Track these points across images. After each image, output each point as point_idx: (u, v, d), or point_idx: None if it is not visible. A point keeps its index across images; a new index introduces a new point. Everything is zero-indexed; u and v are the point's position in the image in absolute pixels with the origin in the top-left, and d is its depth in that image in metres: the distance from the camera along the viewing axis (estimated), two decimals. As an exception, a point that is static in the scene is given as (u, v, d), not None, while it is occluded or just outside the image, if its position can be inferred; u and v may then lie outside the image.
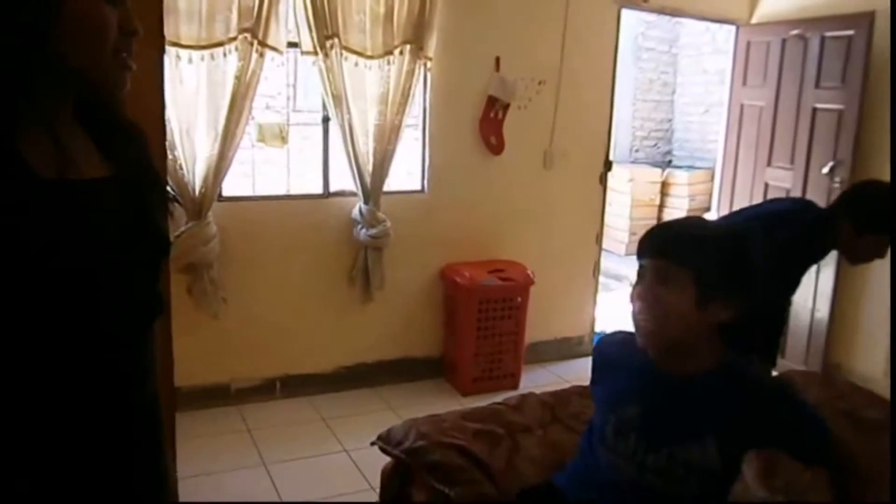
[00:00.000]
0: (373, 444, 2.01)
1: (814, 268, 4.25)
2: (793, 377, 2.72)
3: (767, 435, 1.43)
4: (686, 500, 1.44)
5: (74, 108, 1.02)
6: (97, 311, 0.97)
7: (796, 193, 4.37)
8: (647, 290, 1.41)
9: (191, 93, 3.31)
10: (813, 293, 4.30)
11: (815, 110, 4.26)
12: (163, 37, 2.47)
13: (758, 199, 4.65)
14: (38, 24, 0.90)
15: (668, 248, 1.42)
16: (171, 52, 3.18)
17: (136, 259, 1.04)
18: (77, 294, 0.93)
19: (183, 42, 3.23)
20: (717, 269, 1.38)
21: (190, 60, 3.27)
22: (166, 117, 3.16)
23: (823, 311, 4.27)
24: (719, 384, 1.43)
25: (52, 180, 0.91)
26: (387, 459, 1.99)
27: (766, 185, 4.60)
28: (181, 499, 1.32)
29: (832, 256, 4.13)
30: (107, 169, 1.03)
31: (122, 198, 1.03)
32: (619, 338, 1.64)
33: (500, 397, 3.00)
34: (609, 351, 1.65)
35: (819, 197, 4.22)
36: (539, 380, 4.15)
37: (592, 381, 1.69)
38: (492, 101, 4.03)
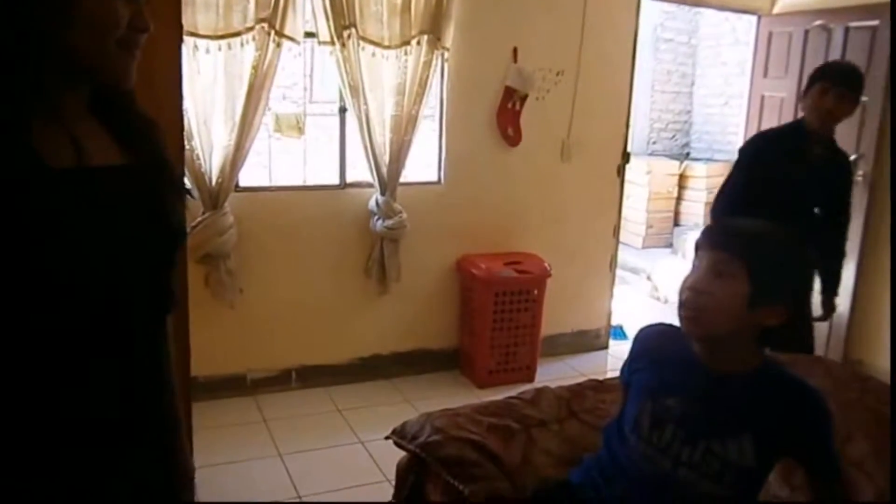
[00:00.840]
0: (387, 437, 2.01)
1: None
2: (798, 362, 2.67)
3: (801, 440, 1.43)
4: (718, 496, 1.43)
5: (89, 99, 1.02)
6: (112, 300, 0.97)
7: (817, 186, 4.31)
8: (700, 281, 1.40)
9: (208, 83, 3.31)
10: (833, 288, 4.24)
11: (837, 102, 4.18)
12: (181, 27, 2.46)
13: (778, 192, 4.60)
14: (54, 19, 0.91)
15: (730, 242, 1.41)
16: (188, 41, 3.18)
17: (149, 248, 1.04)
18: (91, 283, 0.94)
19: (200, 32, 3.23)
20: (774, 273, 1.38)
21: (207, 50, 3.27)
22: (184, 107, 3.17)
23: (843, 305, 4.21)
24: (760, 384, 1.44)
25: (65, 169, 0.92)
26: (402, 452, 1.99)
27: (787, 178, 4.53)
28: (198, 489, 1.31)
29: (854, 248, 4.10)
30: (122, 158, 1.03)
31: (136, 186, 1.03)
32: (662, 329, 1.63)
33: (515, 390, 2.98)
34: (651, 340, 1.64)
35: (841, 190, 4.18)
36: (555, 373, 4.13)
37: (629, 369, 1.66)
38: (509, 92, 4.00)
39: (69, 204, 0.91)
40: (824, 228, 3.00)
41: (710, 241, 1.43)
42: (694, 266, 1.44)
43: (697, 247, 1.46)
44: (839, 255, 3.14)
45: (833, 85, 2.84)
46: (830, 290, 3.14)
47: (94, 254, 0.94)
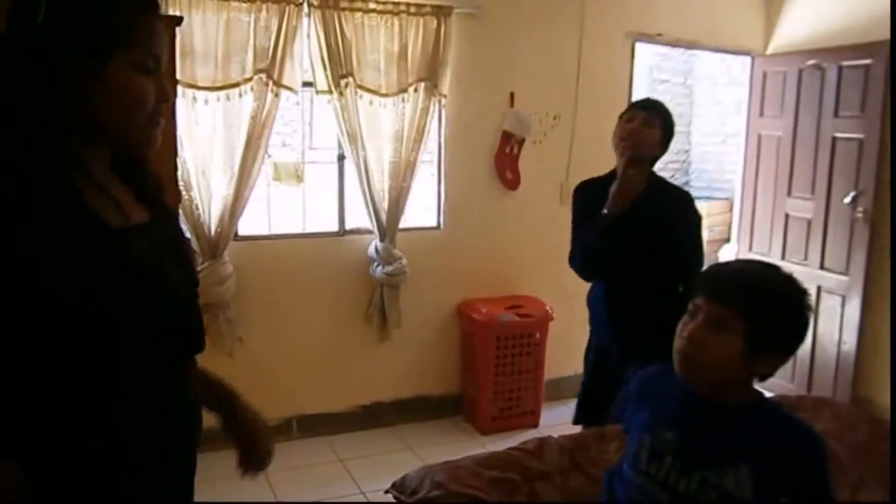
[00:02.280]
0: (387, 492, 1.97)
1: (839, 300, 4.21)
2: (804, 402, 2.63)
3: (793, 479, 1.40)
4: None
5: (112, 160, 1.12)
6: (174, 339, 1.13)
7: (818, 224, 4.31)
8: (697, 333, 1.40)
9: (207, 133, 3.33)
10: (839, 324, 4.21)
11: (834, 140, 4.21)
12: (175, 80, 2.49)
13: (779, 230, 4.60)
14: (84, 90, 1.00)
15: (730, 296, 1.40)
16: (187, 94, 3.22)
17: (188, 292, 1.17)
18: (148, 333, 1.06)
19: (199, 84, 3.26)
20: (773, 328, 1.37)
21: (206, 101, 3.30)
22: (183, 158, 3.20)
23: (850, 343, 4.17)
24: (755, 418, 1.43)
25: (120, 228, 1.04)
26: (403, 506, 1.94)
27: (787, 216, 4.53)
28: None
29: (857, 284, 4.07)
30: (147, 214, 1.14)
31: (163, 239, 1.14)
32: (659, 369, 1.63)
33: (519, 436, 2.94)
34: (649, 381, 1.65)
35: (842, 226, 4.17)
36: (560, 417, 4.05)
37: (628, 409, 1.67)
38: (507, 137, 4.02)
39: (131, 260, 1.04)
40: (671, 276, 2.53)
41: (709, 292, 1.42)
42: (690, 311, 1.42)
43: (696, 292, 1.44)
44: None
45: (631, 109, 2.62)
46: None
47: (148, 304, 1.05)
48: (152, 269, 1.07)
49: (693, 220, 2.60)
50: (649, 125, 2.51)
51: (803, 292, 1.42)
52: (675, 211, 2.55)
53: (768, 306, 1.38)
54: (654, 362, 2.34)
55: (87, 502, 1.05)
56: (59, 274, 0.96)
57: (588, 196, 2.66)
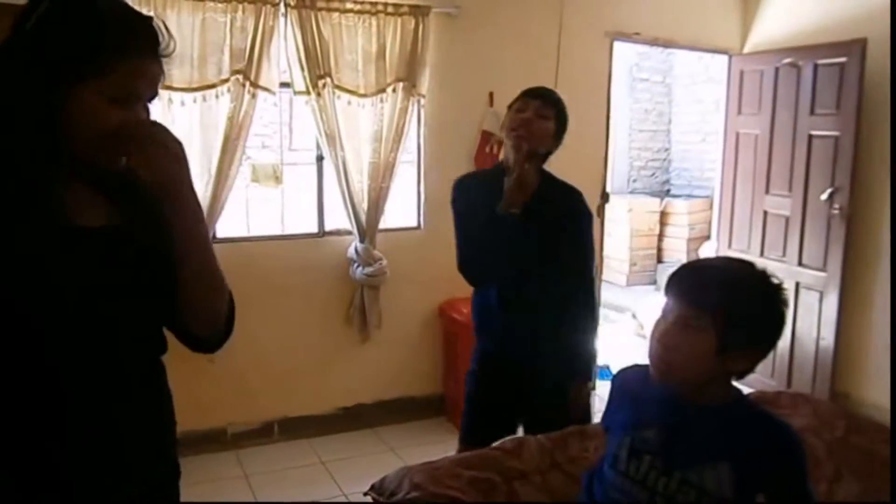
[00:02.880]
0: (365, 494, 1.95)
1: (817, 295, 4.24)
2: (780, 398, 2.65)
3: (771, 477, 1.40)
4: None
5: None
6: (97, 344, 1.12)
7: (796, 220, 4.35)
8: (668, 334, 1.39)
9: (183, 135, 3.28)
10: (817, 321, 4.24)
11: (810, 137, 4.24)
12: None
13: (757, 227, 4.63)
14: (44, 117, 1.05)
15: (693, 294, 1.39)
16: (163, 95, 3.18)
17: (126, 303, 1.15)
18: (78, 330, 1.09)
19: (175, 85, 3.23)
20: (743, 324, 1.35)
21: (182, 103, 3.27)
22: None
23: (829, 339, 4.21)
24: (734, 417, 1.43)
25: (65, 227, 1.09)
26: (383, 508, 1.93)
27: (766, 213, 4.57)
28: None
29: (835, 280, 4.11)
30: (107, 219, 1.15)
31: (115, 245, 1.14)
32: (637, 369, 1.61)
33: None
34: (629, 381, 1.63)
35: (819, 223, 4.21)
36: (542, 416, 4.07)
37: (607, 410, 1.66)
38: (486, 136, 4.02)
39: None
40: (566, 277, 2.33)
41: (677, 292, 1.41)
42: (663, 312, 1.42)
43: (667, 292, 1.44)
44: (584, 316, 2.39)
45: (522, 98, 2.34)
46: (578, 367, 2.40)
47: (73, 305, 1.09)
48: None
49: (585, 218, 2.40)
50: (543, 116, 2.28)
51: (777, 287, 1.40)
52: (567, 209, 2.34)
53: (738, 303, 1.36)
54: (553, 369, 2.30)
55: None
56: None
57: (470, 192, 2.41)
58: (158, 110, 3.16)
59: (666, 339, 1.39)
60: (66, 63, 1.04)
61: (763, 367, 1.46)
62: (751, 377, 1.48)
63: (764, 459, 1.39)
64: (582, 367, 2.41)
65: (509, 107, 2.37)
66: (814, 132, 4.22)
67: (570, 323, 2.34)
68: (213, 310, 1.25)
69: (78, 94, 1.05)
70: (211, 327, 1.26)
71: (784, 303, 1.41)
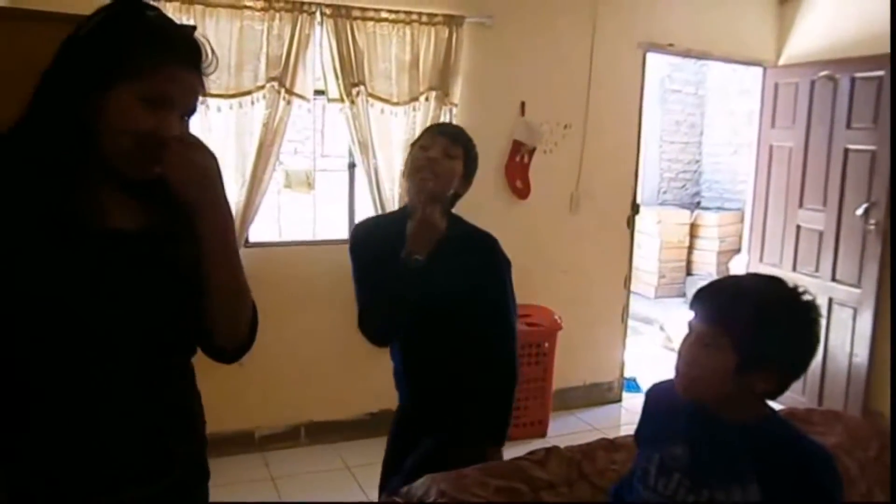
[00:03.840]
0: (392, 501, 1.96)
1: (850, 312, 4.18)
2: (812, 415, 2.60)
3: (803, 497, 1.38)
4: None
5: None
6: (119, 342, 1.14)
7: (830, 235, 4.29)
8: (689, 352, 1.41)
9: (219, 140, 3.35)
10: (850, 337, 4.18)
11: (846, 151, 4.19)
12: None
13: (790, 241, 4.58)
14: (82, 119, 1.09)
15: (713, 312, 1.39)
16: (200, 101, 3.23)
17: (156, 306, 1.17)
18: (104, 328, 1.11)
19: (212, 91, 3.28)
20: (759, 344, 1.34)
21: (219, 109, 3.32)
22: (194, 165, 3.21)
23: (862, 356, 4.14)
24: (764, 436, 1.41)
25: (99, 229, 1.12)
26: (409, 515, 1.94)
27: (798, 227, 4.51)
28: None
29: (870, 297, 4.04)
30: (141, 223, 1.18)
31: (145, 247, 1.17)
32: (671, 384, 1.61)
33: (527, 446, 2.92)
34: (661, 395, 1.63)
35: (854, 239, 4.15)
36: (567, 427, 4.06)
37: (640, 424, 1.67)
38: (517, 146, 4.03)
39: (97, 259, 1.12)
40: (479, 331, 2.13)
41: (698, 309, 1.42)
42: (689, 328, 1.43)
43: (691, 307, 1.45)
44: (503, 375, 2.15)
45: (428, 134, 2.14)
46: (493, 430, 2.17)
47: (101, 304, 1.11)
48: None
49: (502, 267, 2.18)
50: (450, 155, 2.07)
51: (806, 306, 1.37)
52: (480, 258, 2.13)
53: (756, 322, 1.34)
54: (468, 432, 2.09)
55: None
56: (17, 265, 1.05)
57: (371, 238, 2.17)
58: (196, 116, 3.20)
59: (686, 354, 1.41)
60: (105, 64, 1.08)
61: (794, 383, 1.44)
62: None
63: (795, 481, 1.36)
64: (497, 430, 2.16)
65: (413, 144, 2.16)
66: (850, 146, 4.17)
67: (487, 381, 2.13)
68: (236, 321, 1.26)
69: (115, 96, 1.08)
70: (233, 338, 1.27)
71: (815, 322, 1.38)
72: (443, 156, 2.06)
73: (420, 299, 1.98)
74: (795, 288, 1.39)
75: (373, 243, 2.13)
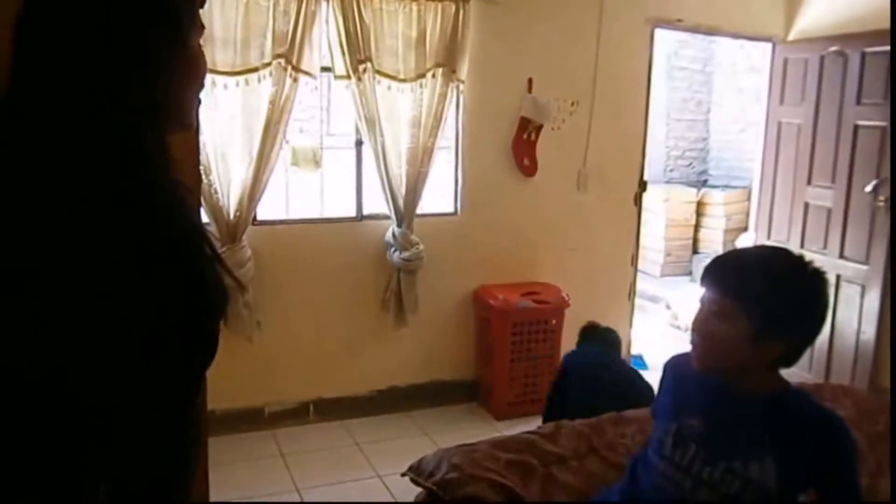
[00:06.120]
0: (404, 474, 1.98)
1: (858, 288, 4.17)
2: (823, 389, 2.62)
3: (819, 468, 1.39)
4: None
5: None
6: None
7: (838, 212, 4.27)
8: (703, 322, 1.42)
9: (226, 118, 3.35)
10: (858, 314, 4.17)
11: (856, 127, 4.16)
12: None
13: (798, 219, 4.56)
14: (167, 63, 0.94)
15: (725, 284, 1.41)
16: (207, 78, 3.22)
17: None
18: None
19: (219, 68, 3.27)
20: (772, 311, 1.36)
21: (225, 86, 3.31)
22: (202, 142, 3.21)
23: (869, 332, 4.14)
24: (780, 407, 1.43)
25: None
26: (419, 489, 1.95)
27: (807, 205, 4.49)
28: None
29: (877, 274, 4.03)
30: None
31: None
32: (688, 357, 1.62)
33: (535, 422, 2.95)
34: (678, 367, 1.64)
35: (863, 216, 4.13)
36: (574, 404, 4.07)
37: (657, 395, 1.69)
38: (525, 123, 4.01)
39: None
40: None
41: (710, 281, 1.43)
42: (700, 302, 1.44)
43: (702, 282, 1.45)
44: None
45: None
46: None
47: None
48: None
49: None
50: None
51: (813, 273, 1.39)
52: None
53: (769, 291, 1.37)
54: None
55: None
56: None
57: None
58: (203, 93, 3.20)
59: (701, 327, 1.42)
60: (181, 14, 0.97)
61: (801, 360, 1.45)
62: (787, 371, 1.47)
63: (811, 452, 1.38)
64: None
65: None
66: (860, 122, 4.14)
67: None
68: None
69: (189, 43, 0.99)
70: None
71: (823, 288, 1.40)
72: None
73: None
74: (801, 256, 1.43)
75: None
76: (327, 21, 3.47)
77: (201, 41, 1.05)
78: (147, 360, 0.89)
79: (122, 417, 0.90)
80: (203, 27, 1.04)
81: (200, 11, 1.09)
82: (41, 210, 0.86)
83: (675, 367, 1.64)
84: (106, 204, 0.86)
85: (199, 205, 2.61)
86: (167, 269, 0.89)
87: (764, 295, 1.36)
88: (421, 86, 3.66)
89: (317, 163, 3.88)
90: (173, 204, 0.93)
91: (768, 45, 4.76)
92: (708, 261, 1.53)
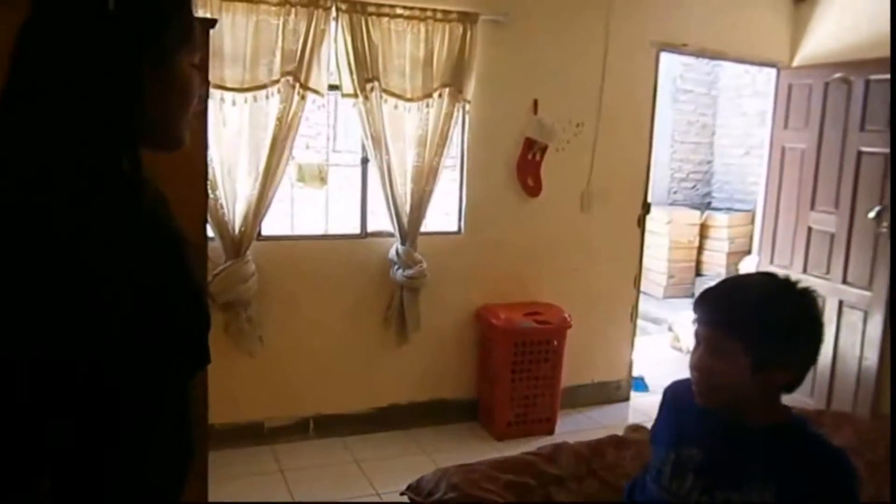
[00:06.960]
0: (402, 493, 1.98)
1: (861, 314, 4.16)
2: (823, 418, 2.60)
3: (820, 498, 1.38)
4: None
5: None
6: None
7: (841, 238, 4.27)
8: (701, 360, 1.40)
9: (233, 134, 3.38)
10: (860, 340, 4.17)
11: (860, 154, 4.17)
12: (208, 82, 2.53)
13: (801, 243, 4.57)
14: (137, 79, 0.94)
15: (719, 318, 1.40)
16: (215, 94, 3.26)
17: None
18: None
19: (227, 85, 3.31)
20: (771, 342, 1.35)
21: (234, 102, 3.34)
22: (210, 157, 3.24)
23: (872, 359, 4.12)
24: (781, 438, 1.41)
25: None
26: (418, 507, 1.95)
27: (810, 229, 4.50)
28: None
29: (880, 300, 4.03)
30: None
31: None
32: (688, 383, 1.61)
33: (535, 443, 2.95)
34: (678, 394, 1.63)
35: (866, 241, 4.14)
36: (575, 425, 4.07)
37: (656, 423, 1.67)
38: (529, 143, 4.04)
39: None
40: None
41: (702, 317, 1.42)
42: (695, 338, 1.43)
43: (694, 319, 1.44)
44: None
45: None
46: None
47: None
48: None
49: None
50: None
51: (802, 293, 1.38)
52: None
53: (763, 319, 1.35)
54: None
55: None
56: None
57: None
58: (211, 109, 3.24)
59: (700, 364, 1.41)
60: (165, 37, 0.98)
61: (803, 385, 1.43)
62: (789, 396, 1.46)
63: (812, 485, 1.36)
64: None
65: None
66: (863, 148, 4.15)
67: None
68: None
69: (176, 63, 0.99)
70: None
71: (813, 306, 1.40)
72: None
73: None
74: (787, 278, 1.42)
75: None
76: (336, 40, 3.51)
77: (210, 58, 1.07)
78: (121, 360, 0.91)
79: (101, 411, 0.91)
80: (198, 49, 1.04)
81: (211, 31, 1.11)
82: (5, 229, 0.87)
83: (674, 394, 1.63)
84: (68, 227, 0.87)
85: (204, 220, 2.62)
86: (134, 283, 0.91)
87: (756, 323, 1.35)
88: (427, 105, 3.69)
89: (322, 179, 3.91)
90: (146, 224, 0.95)
91: (773, 71, 4.79)
92: (711, 283, 1.52)
